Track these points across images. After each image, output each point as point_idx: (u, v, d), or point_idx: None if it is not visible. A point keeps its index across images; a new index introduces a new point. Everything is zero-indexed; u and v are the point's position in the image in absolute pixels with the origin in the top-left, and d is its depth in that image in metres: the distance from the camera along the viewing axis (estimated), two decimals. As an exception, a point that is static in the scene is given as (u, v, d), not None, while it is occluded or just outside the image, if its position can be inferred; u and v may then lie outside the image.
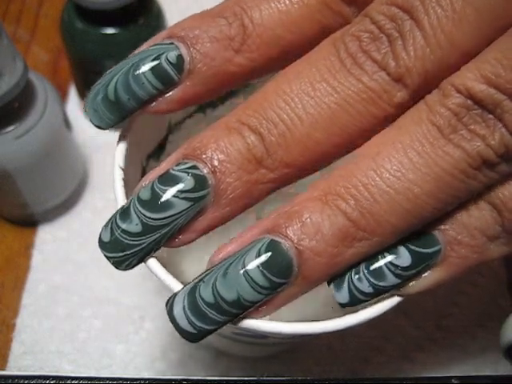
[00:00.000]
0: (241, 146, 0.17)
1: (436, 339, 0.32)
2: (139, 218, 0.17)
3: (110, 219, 0.18)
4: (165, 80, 0.18)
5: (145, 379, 0.26)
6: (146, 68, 0.18)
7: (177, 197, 0.17)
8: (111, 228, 0.17)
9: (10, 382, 0.25)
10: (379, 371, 0.31)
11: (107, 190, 0.37)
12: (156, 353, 0.31)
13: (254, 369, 0.31)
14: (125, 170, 0.20)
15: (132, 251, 0.17)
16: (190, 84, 0.18)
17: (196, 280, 0.17)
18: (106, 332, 0.32)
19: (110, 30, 0.33)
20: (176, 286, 0.18)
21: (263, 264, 0.16)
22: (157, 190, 0.17)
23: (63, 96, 0.40)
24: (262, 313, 0.17)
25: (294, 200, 0.17)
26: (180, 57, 0.18)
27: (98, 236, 0.18)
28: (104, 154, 0.38)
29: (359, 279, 0.17)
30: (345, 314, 0.18)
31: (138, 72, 0.18)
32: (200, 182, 0.17)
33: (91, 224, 0.35)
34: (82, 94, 0.38)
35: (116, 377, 0.26)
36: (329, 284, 0.18)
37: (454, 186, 0.16)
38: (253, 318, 0.17)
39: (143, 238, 0.17)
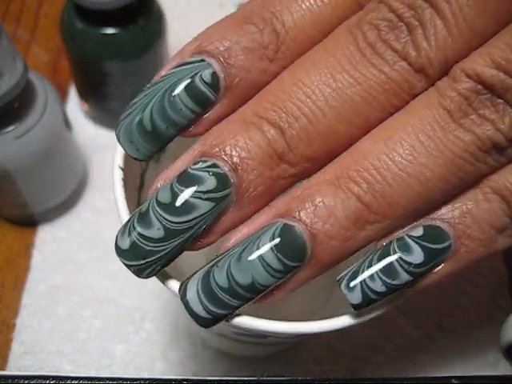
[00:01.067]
0: (261, 140, 0.16)
1: (436, 339, 0.32)
2: (161, 222, 0.16)
3: (127, 224, 0.17)
4: (202, 102, 0.17)
5: (145, 379, 0.26)
6: (181, 92, 0.17)
7: (199, 198, 0.16)
8: (129, 234, 0.16)
9: (9, 382, 0.25)
10: (379, 371, 0.31)
11: (107, 190, 0.36)
12: (156, 353, 0.31)
13: (254, 369, 0.31)
14: (125, 170, 0.20)
15: (154, 258, 0.16)
16: (228, 102, 0.17)
17: (209, 265, 0.17)
18: (106, 332, 0.32)
19: (110, 30, 0.33)
20: (175, 285, 0.18)
21: (277, 248, 0.16)
22: (177, 191, 0.16)
23: (63, 96, 0.40)
24: (274, 296, 0.17)
25: (305, 184, 0.17)
26: (214, 75, 0.17)
27: (98, 236, 0.18)
28: (104, 153, 0.38)
29: (372, 278, 0.17)
30: (342, 314, 0.18)
31: (173, 98, 0.17)
32: (222, 180, 0.16)
33: (91, 224, 0.35)
34: (82, 94, 0.38)
35: (116, 377, 0.26)
36: (340, 285, 0.17)
37: (464, 169, 0.16)
38: (266, 302, 0.17)
39: (166, 243, 0.16)
